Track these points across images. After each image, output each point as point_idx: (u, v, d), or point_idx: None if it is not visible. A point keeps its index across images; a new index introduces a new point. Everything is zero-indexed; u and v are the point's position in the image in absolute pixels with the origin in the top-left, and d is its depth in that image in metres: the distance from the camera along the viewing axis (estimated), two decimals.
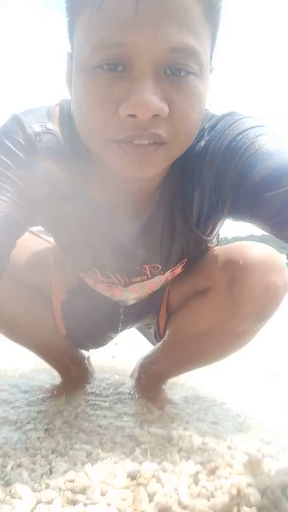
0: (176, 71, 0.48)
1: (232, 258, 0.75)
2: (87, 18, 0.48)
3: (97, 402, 0.88)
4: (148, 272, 0.76)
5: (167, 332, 0.89)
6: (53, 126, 0.63)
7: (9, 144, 0.59)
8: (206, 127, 0.63)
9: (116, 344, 1.06)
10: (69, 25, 0.53)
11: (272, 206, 0.52)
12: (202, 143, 0.62)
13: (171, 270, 0.78)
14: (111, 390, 0.96)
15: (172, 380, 1.00)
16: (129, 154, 0.51)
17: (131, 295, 0.83)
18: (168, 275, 0.79)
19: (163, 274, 0.78)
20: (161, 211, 0.68)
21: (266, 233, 0.57)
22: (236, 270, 0.73)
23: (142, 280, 0.78)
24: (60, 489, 0.52)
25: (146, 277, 0.78)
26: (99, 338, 0.99)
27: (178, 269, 0.80)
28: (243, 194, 0.56)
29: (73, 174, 0.63)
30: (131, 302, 0.88)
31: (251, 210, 0.56)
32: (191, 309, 0.83)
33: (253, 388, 1.07)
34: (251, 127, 0.59)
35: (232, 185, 0.58)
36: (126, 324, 0.96)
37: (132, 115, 0.47)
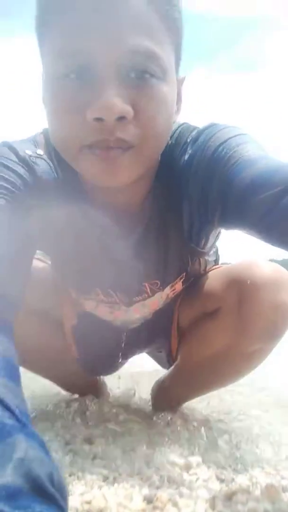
0: (139, 74, 0.49)
1: (240, 277, 0.75)
2: (52, 31, 0.50)
3: (114, 427, 0.88)
4: (148, 290, 0.77)
5: (179, 357, 0.89)
6: (42, 152, 0.63)
7: (3, 163, 0.59)
8: (188, 140, 0.64)
9: (119, 378, 1.06)
10: (39, 40, 0.54)
11: (258, 211, 0.52)
12: (186, 156, 0.63)
13: (170, 285, 0.78)
14: (125, 415, 0.95)
15: (189, 405, 0.99)
16: (100, 160, 0.51)
17: (134, 315, 0.83)
18: (168, 291, 0.80)
19: (163, 291, 0.78)
20: (154, 224, 0.68)
21: None
22: (244, 290, 0.73)
23: (143, 299, 0.79)
24: (77, 510, 0.52)
25: (146, 295, 0.78)
26: (109, 362, 0.99)
27: (178, 285, 0.80)
28: (230, 202, 0.56)
29: (67, 201, 0.63)
30: (135, 324, 0.88)
31: (239, 217, 0.56)
32: (202, 332, 0.83)
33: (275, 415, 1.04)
34: (232, 137, 0.59)
35: (219, 195, 0.58)
36: (135, 349, 0.97)
37: (98, 119, 0.48)
